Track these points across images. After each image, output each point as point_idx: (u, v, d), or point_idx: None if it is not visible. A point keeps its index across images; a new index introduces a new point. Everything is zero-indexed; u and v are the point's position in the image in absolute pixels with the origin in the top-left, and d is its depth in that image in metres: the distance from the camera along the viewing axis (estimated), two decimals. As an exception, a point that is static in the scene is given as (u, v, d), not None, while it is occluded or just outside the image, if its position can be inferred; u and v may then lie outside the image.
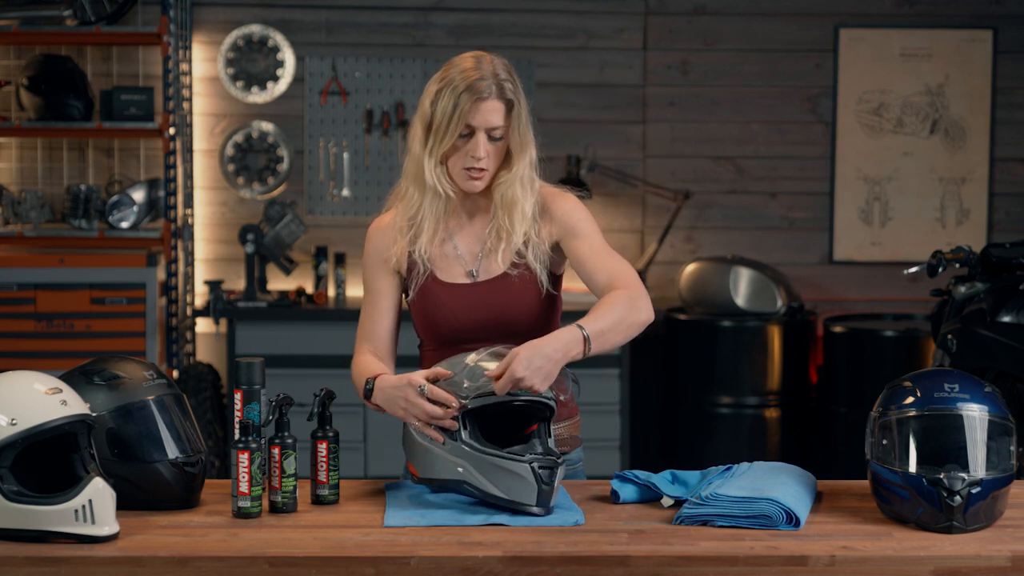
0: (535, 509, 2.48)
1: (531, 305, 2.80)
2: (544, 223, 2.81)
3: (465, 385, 2.54)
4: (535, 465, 2.48)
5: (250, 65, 6.09)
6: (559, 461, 2.51)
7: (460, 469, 2.53)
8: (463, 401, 2.53)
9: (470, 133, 2.72)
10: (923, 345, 5.60)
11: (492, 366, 2.54)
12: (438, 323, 2.80)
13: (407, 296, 2.84)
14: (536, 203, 2.81)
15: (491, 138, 2.73)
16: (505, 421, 2.59)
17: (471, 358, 2.58)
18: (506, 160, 2.78)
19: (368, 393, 2.68)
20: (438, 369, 2.59)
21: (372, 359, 2.79)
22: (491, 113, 2.71)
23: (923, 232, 6.29)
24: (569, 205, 2.82)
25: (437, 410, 2.54)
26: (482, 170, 2.74)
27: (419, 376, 2.58)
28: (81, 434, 2.38)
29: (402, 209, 2.83)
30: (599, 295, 2.72)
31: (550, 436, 2.57)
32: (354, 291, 6.02)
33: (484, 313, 2.78)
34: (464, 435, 2.53)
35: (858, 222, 6.28)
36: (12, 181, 6.02)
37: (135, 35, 5.79)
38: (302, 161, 6.14)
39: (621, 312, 2.64)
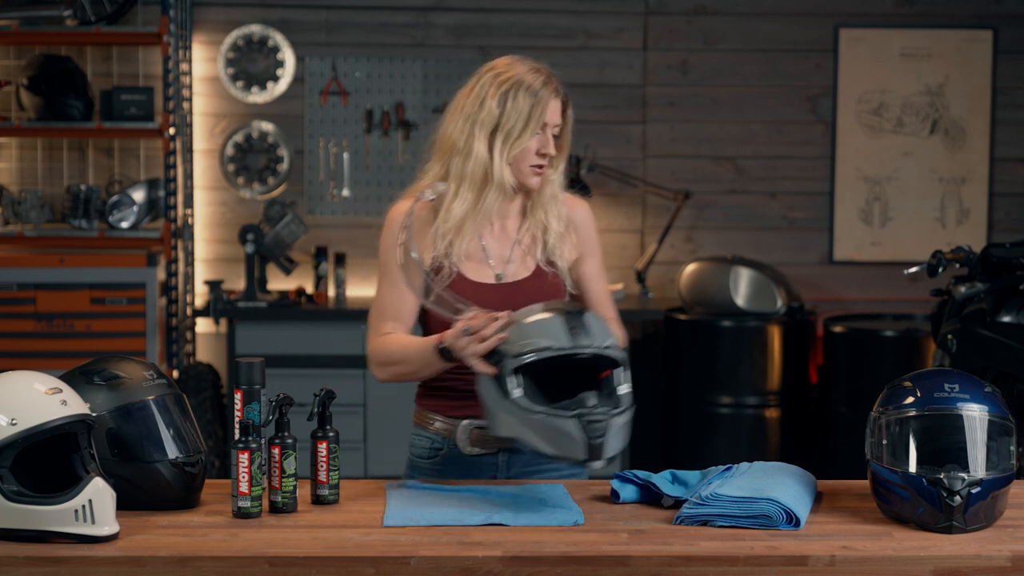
0: (594, 463, 2.48)
1: None
2: (569, 233, 2.91)
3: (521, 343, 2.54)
4: (584, 419, 2.47)
5: (250, 65, 6.09)
6: (617, 411, 2.51)
7: (515, 428, 2.54)
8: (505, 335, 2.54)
9: (541, 131, 2.82)
10: (923, 345, 5.60)
11: (544, 316, 2.56)
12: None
13: (428, 293, 2.84)
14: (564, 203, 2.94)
15: (553, 135, 2.85)
16: (574, 375, 2.59)
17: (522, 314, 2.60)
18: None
19: (447, 353, 2.65)
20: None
21: (403, 335, 2.81)
22: (556, 111, 2.83)
23: (923, 232, 6.29)
24: (588, 216, 2.96)
25: (485, 331, 2.56)
26: (546, 167, 2.85)
27: (460, 323, 2.59)
28: (81, 434, 2.38)
29: (455, 207, 2.83)
30: None
31: (621, 385, 2.58)
32: (354, 291, 6.02)
33: None
34: (516, 394, 2.53)
35: (858, 222, 6.28)
36: (12, 181, 6.03)
37: (135, 35, 5.79)
38: (302, 161, 6.14)
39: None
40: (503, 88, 2.81)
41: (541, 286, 2.86)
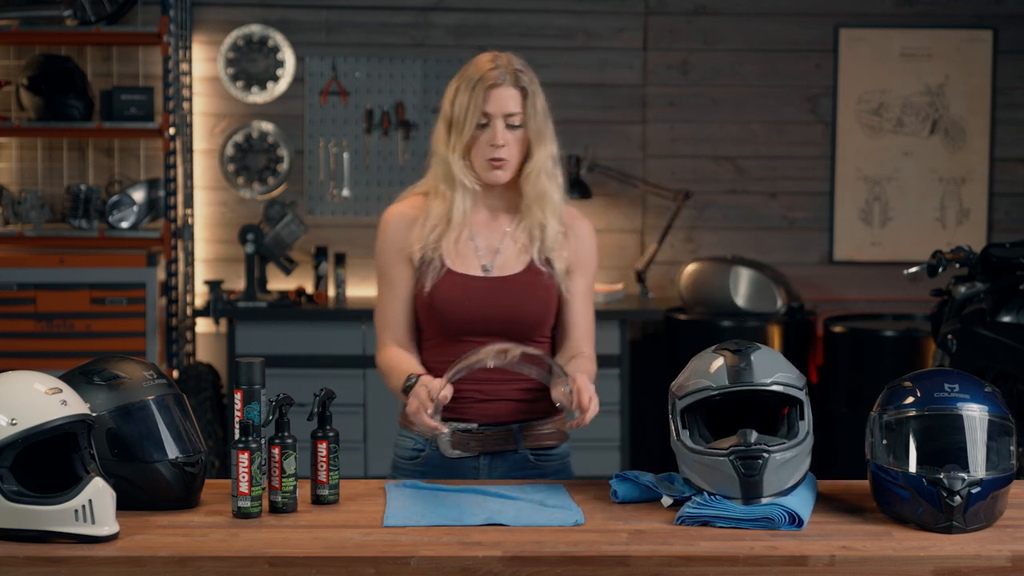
0: (742, 502, 2.47)
1: (545, 307, 2.85)
2: (568, 240, 2.89)
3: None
4: (733, 458, 2.46)
5: (250, 65, 6.09)
6: (779, 447, 2.48)
7: (681, 468, 2.58)
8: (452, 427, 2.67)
9: (487, 122, 2.78)
10: (923, 345, 5.60)
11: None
12: (447, 314, 2.81)
13: (419, 289, 2.85)
14: (564, 204, 2.90)
15: (509, 126, 2.79)
16: (755, 412, 2.61)
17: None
18: (527, 153, 2.84)
19: (408, 390, 2.71)
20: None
21: (402, 353, 2.85)
22: (506, 100, 2.78)
23: (923, 232, 6.28)
24: (590, 233, 2.95)
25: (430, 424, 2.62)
26: (503, 159, 2.79)
27: (441, 394, 2.62)
28: (81, 434, 2.38)
29: (426, 204, 2.86)
30: (567, 334, 2.88)
31: (800, 420, 2.55)
32: (354, 291, 6.02)
33: (493, 308, 2.80)
34: (683, 434, 2.56)
35: (858, 222, 6.28)
36: (12, 181, 6.02)
37: (135, 35, 5.79)
38: (302, 161, 6.14)
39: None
40: (455, 84, 2.83)
41: (533, 284, 2.84)
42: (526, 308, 2.82)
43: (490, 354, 2.63)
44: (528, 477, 2.86)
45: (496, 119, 2.77)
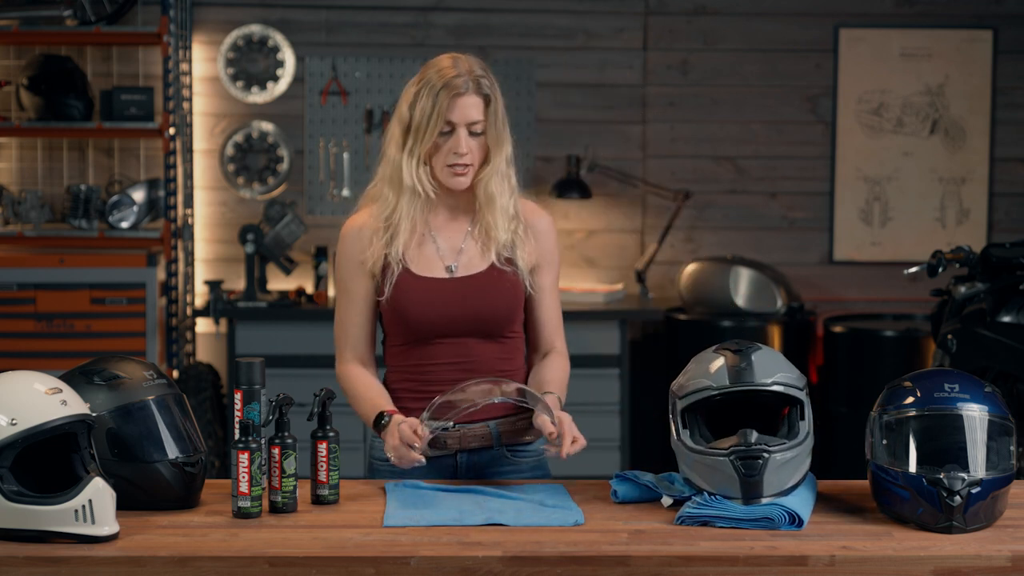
0: (742, 502, 2.47)
1: (512, 304, 2.85)
2: (528, 237, 2.87)
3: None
4: (733, 458, 2.46)
5: (250, 65, 6.09)
6: (778, 447, 2.48)
7: (682, 467, 2.58)
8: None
9: (451, 130, 2.76)
10: (923, 345, 5.60)
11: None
12: (412, 318, 2.81)
13: (381, 297, 2.85)
14: (517, 203, 2.87)
15: (471, 133, 2.78)
16: (756, 412, 2.61)
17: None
18: (485, 157, 2.83)
19: (380, 428, 2.75)
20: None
21: (366, 377, 2.88)
22: (470, 108, 2.76)
23: (923, 232, 6.28)
24: (550, 228, 2.92)
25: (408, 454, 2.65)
26: (466, 166, 2.78)
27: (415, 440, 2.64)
28: (81, 434, 2.38)
29: (376, 211, 2.85)
30: (538, 331, 2.90)
31: (800, 420, 2.55)
32: (354, 291, 6.02)
33: (461, 308, 2.80)
34: (683, 434, 2.56)
35: (858, 222, 6.28)
36: (12, 181, 6.02)
37: (135, 35, 5.79)
38: (302, 161, 6.14)
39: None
40: (414, 88, 2.80)
41: (498, 282, 2.83)
42: (494, 305, 2.81)
43: (476, 395, 2.66)
44: (504, 474, 2.85)
45: (460, 127, 2.76)
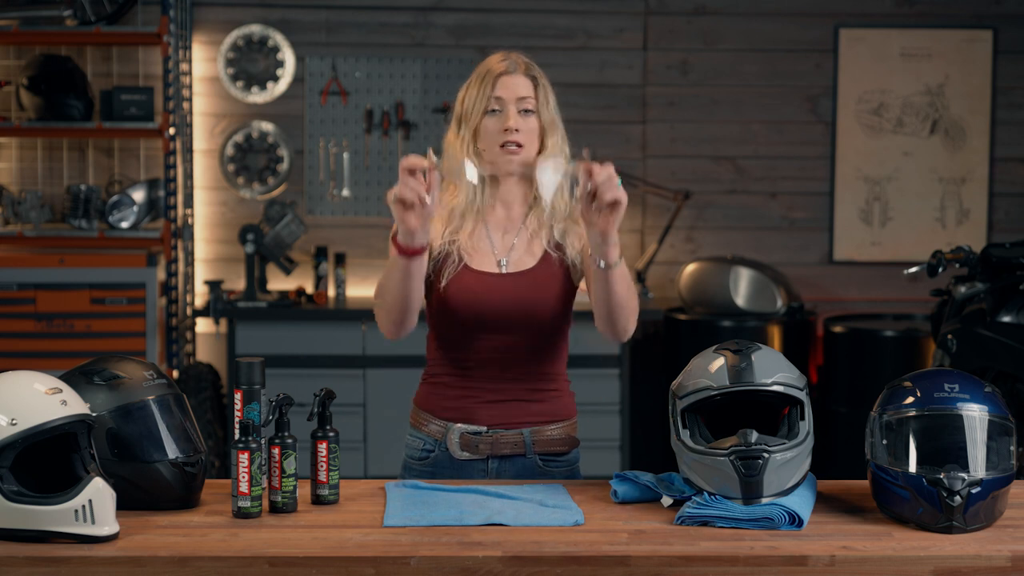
0: (742, 502, 2.47)
1: (557, 298, 2.84)
2: (577, 224, 2.84)
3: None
4: (733, 458, 2.46)
5: (250, 65, 6.09)
6: (779, 447, 2.47)
7: (682, 467, 2.58)
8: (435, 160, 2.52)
9: (499, 108, 2.78)
10: (923, 345, 5.60)
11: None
12: (462, 310, 2.80)
13: (435, 283, 2.84)
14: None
15: (522, 111, 2.79)
16: (757, 412, 2.61)
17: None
18: (541, 143, 2.83)
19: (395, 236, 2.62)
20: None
21: None
22: (517, 86, 2.78)
23: (923, 232, 6.29)
24: None
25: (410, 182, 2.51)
26: (519, 145, 2.78)
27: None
28: (81, 434, 2.37)
29: (447, 202, 2.85)
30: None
31: (800, 420, 2.55)
32: (354, 291, 6.02)
33: (509, 304, 2.80)
34: (683, 434, 2.56)
35: (858, 222, 6.28)
36: (12, 181, 6.03)
37: (135, 35, 5.79)
38: (302, 161, 6.14)
39: (634, 300, 2.88)
40: (466, 84, 2.85)
41: (545, 275, 2.83)
42: (542, 303, 2.81)
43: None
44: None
45: (508, 104, 2.77)
